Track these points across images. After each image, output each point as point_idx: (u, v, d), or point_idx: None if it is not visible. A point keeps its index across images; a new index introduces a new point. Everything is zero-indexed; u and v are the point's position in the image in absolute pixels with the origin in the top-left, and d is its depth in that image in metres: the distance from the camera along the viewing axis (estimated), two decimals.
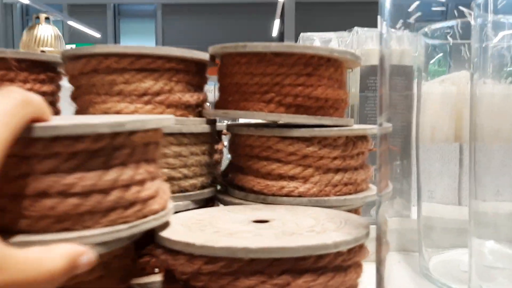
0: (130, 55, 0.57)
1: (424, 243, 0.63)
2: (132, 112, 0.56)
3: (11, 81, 0.60)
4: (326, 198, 0.57)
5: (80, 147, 0.35)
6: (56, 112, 0.68)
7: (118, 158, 0.37)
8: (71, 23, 8.20)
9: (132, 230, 0.38)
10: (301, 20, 8.56)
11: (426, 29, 0.64)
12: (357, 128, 0.60)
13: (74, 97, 0.62)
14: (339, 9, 8.93)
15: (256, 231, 0.43)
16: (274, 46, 0.56)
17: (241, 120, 0.87)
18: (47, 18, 1.15)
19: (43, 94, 0.64)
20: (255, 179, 0.59)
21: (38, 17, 1.20)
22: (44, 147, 0.34)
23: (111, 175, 0.36)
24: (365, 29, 0.95)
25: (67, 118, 0.42)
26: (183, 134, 0.59)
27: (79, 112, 0.61)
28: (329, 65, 0.59)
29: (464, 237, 0.51)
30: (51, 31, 1.10)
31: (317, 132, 0.57)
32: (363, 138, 0.61)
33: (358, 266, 0.43)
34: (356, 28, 0.98)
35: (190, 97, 0.60)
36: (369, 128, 0.61)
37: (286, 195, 0.57)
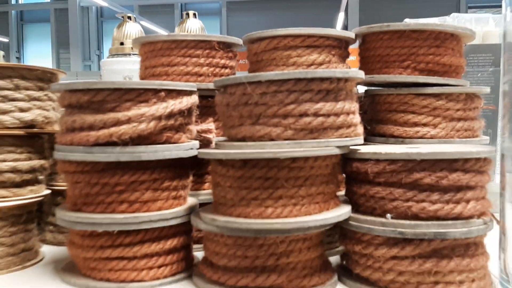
0: (302, 35, 0.78)
1: None
2: None
3: (213, 57, 0.83)
4: (451, 139, 0.76)
5: (324, 86, 0.57)
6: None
7: (341, 96, 0.59)
8: (143, 23, 8.68)
9: (350, 142, 0.60)
10: (364, 13, 8.63)
11: None
12: (474, 87, 0.79)
13: (252, 70, 0.84)
14: (402, 1, 8.92)
15: (416, 149, 0.63)
16: (413, 25, 0.76)
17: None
18: (129, 17, 1.37)
19: (230, 67, 0.87)
20: (394, 127, 0.79)
21: (123, 17, 1.41)
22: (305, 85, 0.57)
23: (339, 105, 0.58)
24: (464, 14, 1.12)
25: None
26: None
27: None
28: (453, 39, 0.78)
29: None
30: (135, 28, 1.32)
31: (444, 89, 0.76)
32: (477, 96, 0.79)
33: (488, 174, 0.62)
34: (455, 14, 1.16)
35: (342, 66, 0.81)
36: (483, 88, 0.79)
37: (420, 137, 0.77)
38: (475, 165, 0.60)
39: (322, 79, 0.59)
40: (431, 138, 0.76)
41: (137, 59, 1.23)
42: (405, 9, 8.83)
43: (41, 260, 0.78)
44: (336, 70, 0.61)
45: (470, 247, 0.60)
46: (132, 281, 0.64)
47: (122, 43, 1.22)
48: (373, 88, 0.85)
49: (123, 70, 1.20)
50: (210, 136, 0.77)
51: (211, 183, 0.67)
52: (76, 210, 0.66)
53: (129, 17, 1.30)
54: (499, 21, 1.15)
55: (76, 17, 9.89)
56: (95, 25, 10.49)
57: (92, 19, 10.43)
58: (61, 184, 0.86)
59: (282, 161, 0.58)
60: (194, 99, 0.69)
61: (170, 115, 0.64)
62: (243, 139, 0.62)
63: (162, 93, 0.64)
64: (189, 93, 0.68)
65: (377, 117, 0.83)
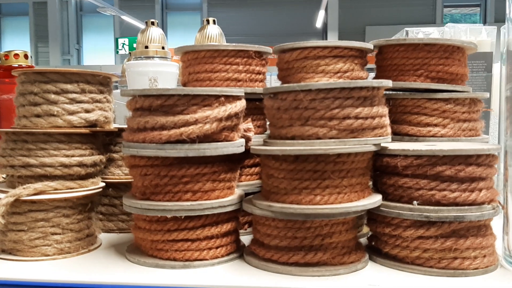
0: (329, 47, 0.89)
1: None
2: None
3: (249, 64, 0.94)
4: (458, 138, 0.89)
5: (363, 94, 0.68)
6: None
7: (376, 101, 0.70)
8: (124, 17, 8.65)
9: (383, 140, 0.72)
10: (343, 11, 8.83)
11: None
12: (477, 93, 0.91)
13: (283, 76, 0.95)
14: (381, 1, 9.15)
15: (436, 146, 0.75)
16: (426, 39, 0.88)
17: None
18: (152, 23, 1.46)
19: (263, 73, 0.98)
20: (409, 127, 0.91)
21: (147, 22, 1.50)
22: (348, 93, 0.68)
23: (375, 109, 0.70)
24: (460, 25, 1.25)
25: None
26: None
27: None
28: (459, 51, 0.91)
29: None
30: (157, 32, 1.42)
31: (452, 95, 0.88)
32: (479, 100, 0.92)
33: (495, 167, 0.75)
34: (450, 23, 1.29)
35: (363, 73, 0.93)
36: (484, 93, 0.92)
37: (432, 136, 0.89)
38: (486, 160, 0.73)
39: (361, 88, 0.71)
40: (441, 136, 0.89)
41: (160, 62, 1.33)
42: (384, 7, 9.10)
43: (100, 245, 0.87)
44: (373, 80, 0.73)
45: (482, 229, 0.73)
46: (196, 260, 0.75)
47: (146, 47, 1.31)
48: (390, 92, 0.97)
49: (148, 71, 1.29)
50: (250, 134, 0.88)
51: (263, 175, 0.77)
52: (145, 199, 0.76)
53: (152, 23, 1.40)
54: (490, 32, 1.29)
55: (55, 10, 9.79)
56: (74, 19, 10.39)
57: (71, 13, 10.33)
58: (110, 177, 0.95)
59: (328, 156, 0.70)
60: (243, 103, 0.79)
61: (228, 117, 0.75)
62: (293, 137, 0.73)
63: (222, 98, 0.74)
64: (240, 98, 0.79)
65: (393, 118, 0.95)
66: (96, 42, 10.45)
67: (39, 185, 0.79)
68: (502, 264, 0.76)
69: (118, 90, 1.48)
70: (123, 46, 8.00)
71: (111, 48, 9.38)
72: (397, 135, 0.93)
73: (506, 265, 0.75)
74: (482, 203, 0.72)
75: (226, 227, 0.77)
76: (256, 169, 0.98)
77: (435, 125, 0.90)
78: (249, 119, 0.92)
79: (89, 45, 10.53)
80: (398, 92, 0.94)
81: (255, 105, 0.95)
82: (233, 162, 0.80)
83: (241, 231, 0.86)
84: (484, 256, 0.72)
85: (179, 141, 0.72)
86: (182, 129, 0.72)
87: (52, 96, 0.81)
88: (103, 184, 0.89)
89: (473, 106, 0.91)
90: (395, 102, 0.94)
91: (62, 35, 10.09)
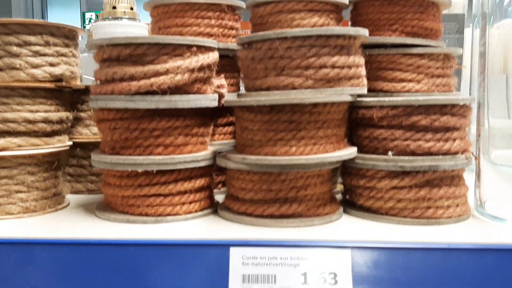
0: (304, 0, 0.87)
1: None
2: None
3: (222, 19, 0.91)
4: (432, 93, 0.89)
5: (339, 42, 0.67)
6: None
7: (352, 51, 0.69)
8: None
9: (360, 91, 0.71)
10: None
11: None
12: (451, 48, 0.91)
13: (258, 31, 0.93)
14: None
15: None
16: None
17: None
18: None
19: (236, 28, 0.95)
20: (383, 83, 0.90)
21: None
22: (324, 41, 0.66)
23: (351, 59, 0.68)
24: None
25: None
26: None
27: None
28: (434, 6, 0.90)
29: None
30: None
31: (427, 49, 0.88)
32: (453, 56, 0.92)
33: (469, 118, 0.75)
34: None
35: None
36: (458, 49, 0.92)
37: (406, 91, 0.89)
38: (460, 110, 0.72)
39: (338, 36, 0.69)
40: (416, 92, 0.88)
41: (129, 23, 1.29)
42: None
43: (68, 204, 0.85)
44: (350, 28, 0.71)
45: (455, 179, 0.73)
46: (168, 214, 0.73)
47: (114, 7, 1.26)
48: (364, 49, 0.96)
49: (115, 33, 1.25)
50: (223, 91, 0.85)
51: (237, 129, 0.76)
52: (114, 154, 0.74)
53: None
54: None
55: None
56: None
57: None
58: (78, 137, 0.92)
59: (304, 107, 0.68)
60: (216, 55, 0.77)
61: (200, 68, 0.72)
62: (268, 88, 0.71)
63: (194, 48, 0.72)
64: (213, 49, 0.76)
65: (368, 74, 0.94)
66: (61, 17, 10.07)
67: (1, 142, 0.75)
68: (474, 215, 0.77)
69: (86, 54, 1.43)
70: (90, 21, 7.78)
71: (77, 23, 9.12)
72: (372, 91, 0.92)
73: (478, 214, 0.76)
74: (456, 152, 0.72)
75: (200, 182, 0.76)
76: (230, 128, 0.96)
77: (410, 80, 0.89)
78: (222, 76, 0.90)
79: (54, 20, 10.17)
80: (373, 49, 0.93)
81: (228, 62, 0.93)
82: (207, 117, 0.78)
83: (215, 190, 0.85)
84: (457, 205, 0.73)
85: (150, 92, 0.70)
86: (153, 79, 0.69)
87: (14, 49, 0.77)
88: (70, 142, 0.86)
89: (446, 62, 0.91)
90: (370, 58, 0.93)
91: (26, 10, 9.72)
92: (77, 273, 0.64)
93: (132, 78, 0.69)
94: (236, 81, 0.97)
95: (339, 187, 0.90)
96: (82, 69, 1.13)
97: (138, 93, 0.69)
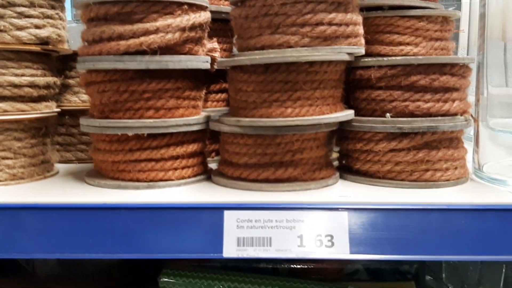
0: None
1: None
2: None
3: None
4: (430, 57, 0.86)
5: None
6: None
7: (350, 8, 0.67)
8: None
9: (358, 50, 0.68)
10: None
11: None
12: (450, 11, 0.89)
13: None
14: None
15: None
16: None
17: None
18: None
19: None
20: (381, 46, 0.88)
21: None
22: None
23: (349, 16, 0.66)
24: None
25: None
26: None
27: None
28: None
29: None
30: None
31: (425, 12, 0.85)
32: (451, 19, 0.89)
33: (468, 79, 0.73)
34: None
35: None
36: (457, 12, 0.89)
37: (404, 55, 0.86)
38: (460, 70, 0.71)
39: None
40: (414, 55, 0.86)
41: None
42: None
43: (57, 172, 0.82)
44: None
45: (453, 141, 0.71)
46: (160, 180, 0.71)
47: None
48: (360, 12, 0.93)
49: None
50: (215, 54, 0.83)
51: (231, 91, 0.73)
52: (104, 117, 0.71)
53: None
54: None
55: None
56: None
57: None
58: (66, 105, 0.89)
59: (300, 66, 0.66)
60: (208, 14, 0.74)
61: (192, 27, 0.70)
62: (262, 47, 0.69)
63: (185, 6, 0.69)
64: (205, 8, 0.73)
65: (366, 39, 0.91)
66: None
67: None
68: (472, 178, 0.75)
69: (74, 25, 1.39)
70: None
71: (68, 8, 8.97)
72: (369, 55, 0.90)
73: (476, 178, 0.75)
74: (455, 114, 0.70)
75: (192, 147, 0.73)
76: (223, 95, 0.93)
77: (408, 43, 0.86)
78: (215, 39, 0.87)
79: None
80: (370, 11, 0.91)
81: (220, 26, 0.90)
82: (199, 80, 0.76)
83: (208, 159, 0.83)
84: (456, 168, 0.71)
85: (139, 52, 0.67)
86: (142, 38, 0.66)
87: None
88: (58, 109, 0.83)
89: (445, 25, 0.88)
90: (367, 21, 0.90)
91: None
92: (68, 239, 0.62)
93: (120, 37, 0.67)
94: (229, 46, 0.94)
95: (335, 155, 0.88)
96: (71, 40, 1.10)
97: (127, 53, 0.67)
